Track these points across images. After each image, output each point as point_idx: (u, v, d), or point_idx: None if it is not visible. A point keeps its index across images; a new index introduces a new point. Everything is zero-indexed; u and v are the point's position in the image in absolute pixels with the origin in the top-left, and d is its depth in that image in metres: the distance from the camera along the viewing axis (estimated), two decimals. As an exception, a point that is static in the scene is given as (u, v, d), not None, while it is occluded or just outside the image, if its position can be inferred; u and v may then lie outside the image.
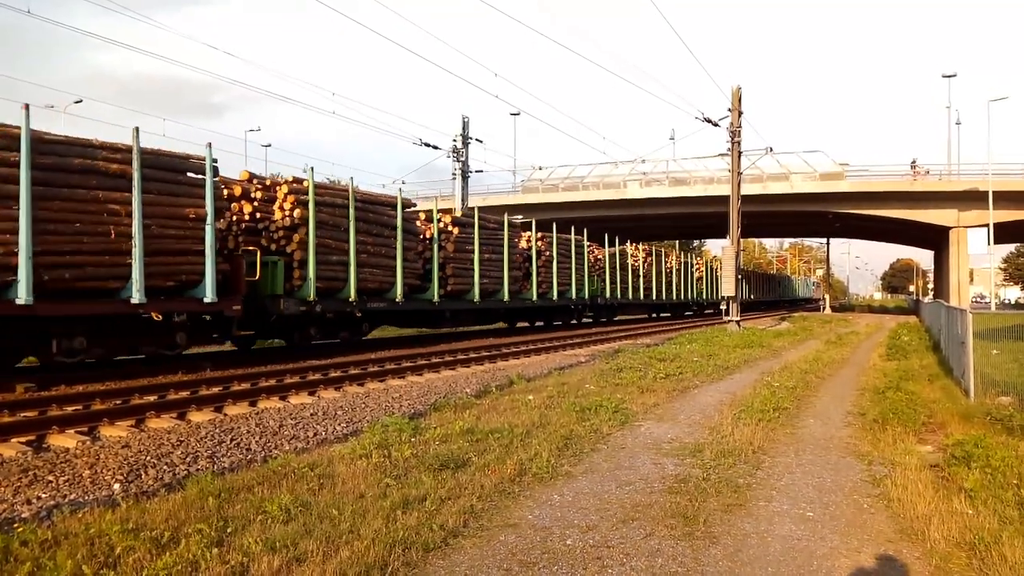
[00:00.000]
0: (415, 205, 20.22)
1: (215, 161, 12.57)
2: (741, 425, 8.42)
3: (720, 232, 51.33)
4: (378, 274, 16.98)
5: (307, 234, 14.85)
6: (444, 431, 7.70)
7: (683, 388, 11.77)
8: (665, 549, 4.55)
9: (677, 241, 73.60)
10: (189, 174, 12.41)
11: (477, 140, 35.07)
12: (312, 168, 15.29)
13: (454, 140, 34.23)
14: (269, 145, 67.49)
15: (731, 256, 29.96)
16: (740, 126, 29.48)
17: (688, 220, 54.72)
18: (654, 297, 36.68)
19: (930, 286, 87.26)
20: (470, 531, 4.82)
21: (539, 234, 25.26)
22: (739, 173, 30.17)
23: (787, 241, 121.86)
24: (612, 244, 31.22)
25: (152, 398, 9.84)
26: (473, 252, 20.88)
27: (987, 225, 36.71)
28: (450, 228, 20.28)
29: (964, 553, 4.54)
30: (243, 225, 14.84)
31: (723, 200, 34.03)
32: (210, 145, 12.51)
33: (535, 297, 24.64)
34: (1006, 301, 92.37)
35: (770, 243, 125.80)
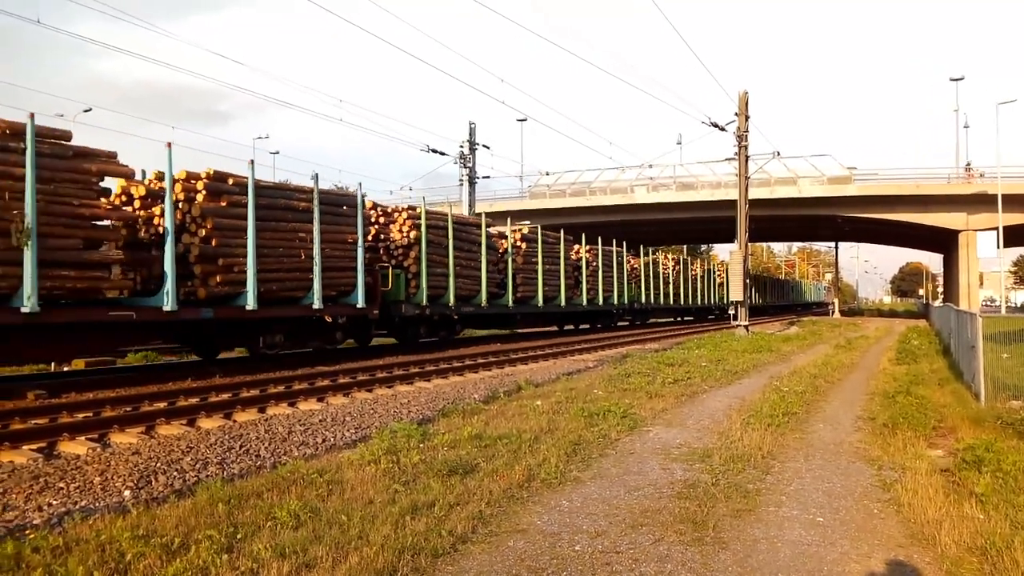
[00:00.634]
0: (493, 225, 23.00)
1: (364, 195, 16.35)
2: (750, 430, 8.39)
3: (728, 237, 51.23)
4: (468, 283, 20.53)
5: (420, 251, 18.40)
6: (452, 437, 7.71)
7: (692, 393, 11.74)
8: (674, 555, 4.54)
9: (685, 246, 73.49)
10: (345, 207, 15.76)
11: (484, 146, 35.21)
12: (424, 199, 17.96)
13: (461, 146, 34.36)
14: (277, 152, 67.75)
15: (739, 261, 29.90)
16: (747, 130, 29.46)
17: (696, 225, 54.67)
18: (681, 302, 39.40)
19: (940, 290, 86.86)
20: (479, 537, 4.83)
21: (587, 247, 28.45)
22: (746, 177, 30.12)
23: (795, 245, 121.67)
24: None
25: (162, 405, 9.87)
26: (537, 263, 24.26)
27: (996, 228, 36.52)
28: (519, 243, 23.60)
29: (976, 558, 4.52)
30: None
31: (731, 204, 33.98)
32: (360, 185, 16.11)
33: (585, 302, 27.95)
34: (1016, 304, 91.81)
35: (778, 247, 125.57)
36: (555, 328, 29.63)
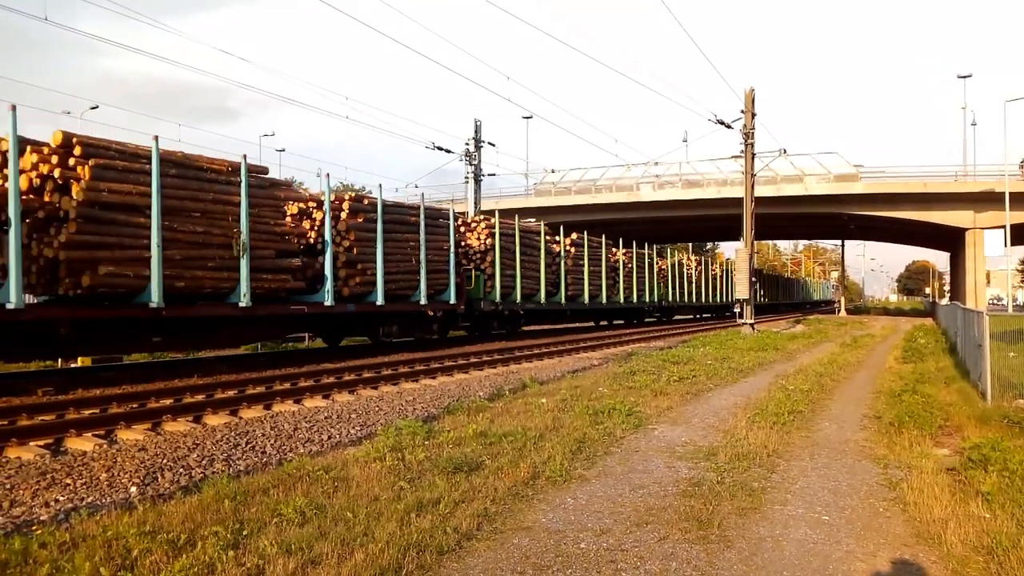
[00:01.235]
0: (550, 234, 25.94)
1: (453, 210, 20.22)
2: (755, 428, 8.38)
3: (734, 234, 51.16)
4: (530, 283, 23.94)
5: (495, 256, 21.65)
6: (457, 434, 7.72)
7: (697, 391, 11.73)
8: (679, 553, 4.54)
9: (690, 244, 73.37)
10: (440, 220, 19.30)
11: (489, 143, 35.10)
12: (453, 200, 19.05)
13: (466, 143, 34.30)
14: (283, 150, 67.90)
15: (745, 258, 29.84)
16: (753, 128, 29.38)
17: (702, 222, 54.54)
18: (702, 300, 42.65)
19: (946, 288, 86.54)
20: (484, 534, 4.83)
21: (623, 250, 31.77)
22: (752, 175, 30.05)
23: (801, 243, 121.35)
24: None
25: (168, 401, 9.92)
26: (584, 266, 27.63)
27: (1004, 226, 36.35)
28: (569, 247, 26.84)
29: (982, 557, 4.50)
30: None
31: (737, 202, 33.91)
32: (452, 202, 19.64)
33: (622, 300, 31.35)
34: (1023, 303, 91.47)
35: (784, 245, 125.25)
36: (592, 323, 32.64)
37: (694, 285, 40.92)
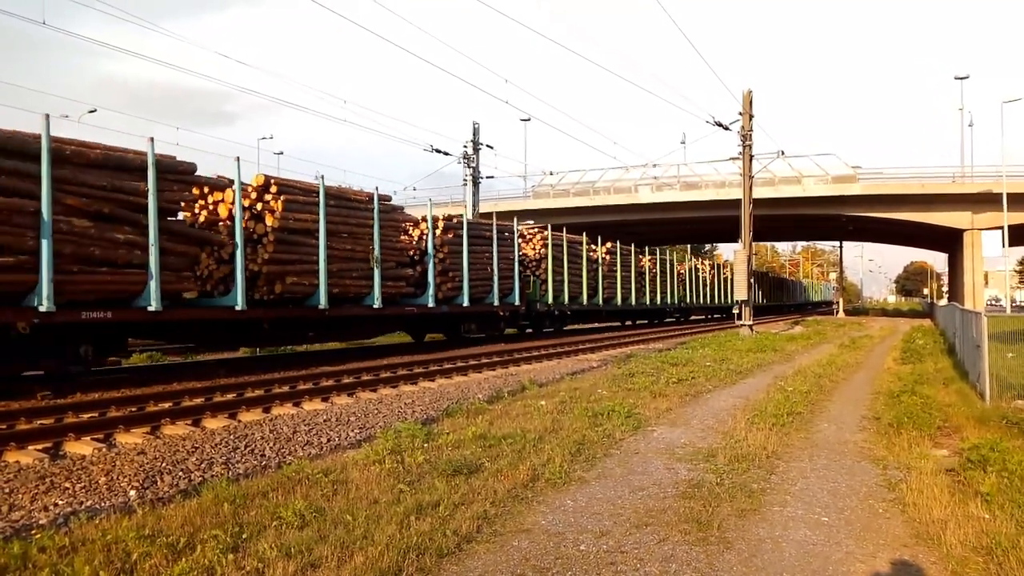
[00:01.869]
0: (590, 243, 28.81)
1: (516, 227, 23.48)
2: (755, 430, 8.39)
3: (732, 236, 51.15)
4: (574, 287, 27.02)
5: (548, 264, 25.08)
6: (457, 437, 7.72)
7: (696, 393, 11.73)
8: (679, 554, 4.54)
9: (689, 245, 73.40)
10: (506, 233, 22.62)
11: (488, 146, 35.10)
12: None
13: (465, 146, 34.30)
14: (281, 153, 67.88)
15: (743, 260, 29.84)
16: (751, 129, 29.39)
17: (700, 224, 54.57)
18: (715, 301, 45.36)
19: (945, 289, 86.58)
20: (483, 537, 4.83)
21: (648, 257, 34.91)
22: (750, 177, 30.05)
23: (800, 244, 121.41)
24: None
25: (167, 405, 9.90)
26: (617, 271, 30.77)
27: (1002, 227, 36.41)
28: (604, 255, 29.90)
29: (981, 558, 4.51)
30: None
31: (735, 204, 33.91)
32: (516, 218, 23.61)
33: (648, 302, 34.57)
34: (1021, 304, 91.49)
35: (783, 247, 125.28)
36: (619, 323, 36.10)
37: (708, 287, 43.94)
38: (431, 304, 18.47)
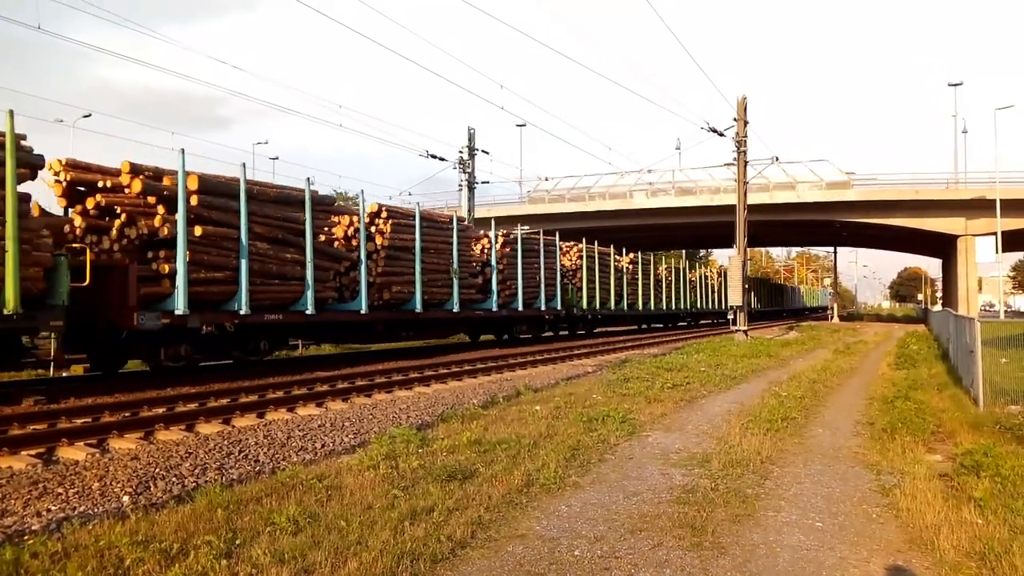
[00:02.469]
0: (616, 254, 31.55)
1: (558, 241, 26.43)
2: (749, 435, 8.40)
3: (727, 241, 51.20)
4: (603, 294, 29.81)
5: (582, 273, 27.96)
6: (451, 442, 7.71)
7: (690, 398, 11.74)
8: (673, 560, 4.54)
9: (684, 251, 73.48)
10: (550, 247, 25.32)
11: (483, 151, 35.22)
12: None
13: (460, 151, 34.38)
14: (276, 158, 67.73)
15: (737, 266, 29.93)
16: (746, 136, 29.50)
17: (694, 230, 54.69)
18: (721, 306, 46.68)
19: (938, 294, 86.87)
20: (478, 542, 4.83)
21: (664, 266, 38.30)
22: (745, 183, 30.16)
23: (794, 250, 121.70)
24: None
25: (161, 410, 9.87)
26: (638, 279, 33.73)
27: (995, 233, 36.55)
28: (628, 265, 32.66)
29: (974, 563, 4.52)
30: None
31: (729, 210, 34.05)
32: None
33: (664, 307, 37.71)
34: (1015, 309, 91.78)
35: (777, 252, 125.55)
36: (635, 327, 38.31)
37: (716, 293, 46.28)
38: (494, 308, 21.62)
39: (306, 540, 4.67)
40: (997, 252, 37.34)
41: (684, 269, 40.65)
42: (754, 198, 37.93)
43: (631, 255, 33.11)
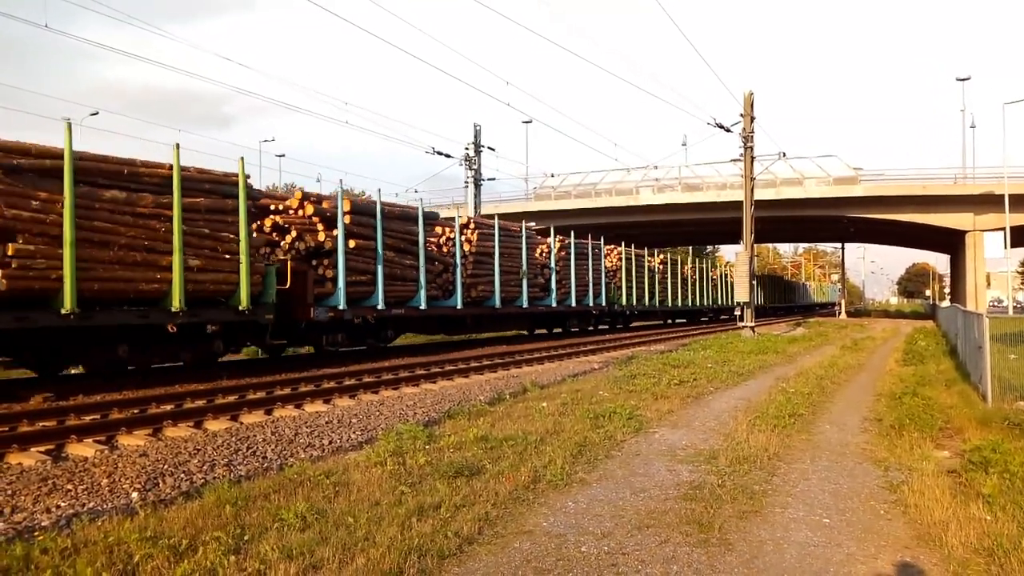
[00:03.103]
0: (649, 254, 34.59)
1: (602, 244, 29.72)
2: (756, 431, 8.39)
3: (734, 238, 51.23)
4: (638, 291, 32.96)
5: (622, 273, 31.14)
6: (458, 438, 7.72)
7: (697, 395, 11.73)
8: (680, 556, 4.54)
9: (691, 247, 73.37)
10: (596, 250, 28.47)
11: (489, 148, 35.13)
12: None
13: (466, 148, 34.33)
14: (283, 155, 68.04)
15: (744, 262, 29.83)
16: (753, 131, 29.38)
17: (701, 226, 54.55)
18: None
19: (947, 290, 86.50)
20: (485, 538, 4.84)
21: (689, 265, 41.21)
22: (752, 178, 30.04)
23: (801, 246, 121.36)
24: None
25: (169, 407, 9.92)
26: (668, 278, 36.74)
27: (1004, 229, 36.37)
28: (659, 265, 35.86)
29: (982, 559, 4.51)
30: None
31: (736, 206, 33.92)
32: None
33: (690, 304, 40.75)
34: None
35: (784, 248, 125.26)
36: (660, 321, 41.43)
37: (735, 289, 46.58)
38: (554, 304, 25.02)
39: (314, 536, 4.69)
40: (1006, 247, 37.17)
41: (707, 268, 43.69)
42: (761, 194, 37.78)
43: (661, 255, 36.36)
